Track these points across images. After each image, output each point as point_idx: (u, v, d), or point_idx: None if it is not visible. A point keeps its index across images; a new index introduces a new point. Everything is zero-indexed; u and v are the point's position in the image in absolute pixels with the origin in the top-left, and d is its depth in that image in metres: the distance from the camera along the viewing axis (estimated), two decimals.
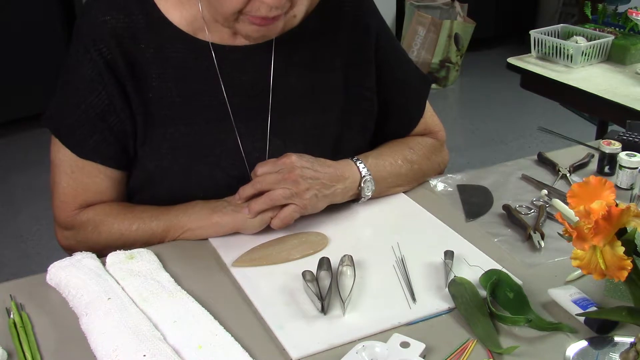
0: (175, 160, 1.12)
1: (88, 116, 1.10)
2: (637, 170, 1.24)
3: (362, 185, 1.15)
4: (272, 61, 1.14)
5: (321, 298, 0.93)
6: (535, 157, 1.40)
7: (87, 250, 1.13)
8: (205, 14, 1.09)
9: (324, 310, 0.92)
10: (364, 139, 1.26)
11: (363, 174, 1.15)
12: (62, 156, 1.14)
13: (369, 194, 1.17)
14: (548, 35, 2.35)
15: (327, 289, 0.95)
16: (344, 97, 1.20)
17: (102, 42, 1.07)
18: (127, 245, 1.09)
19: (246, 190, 1.08)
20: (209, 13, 1.08)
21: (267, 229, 1.11)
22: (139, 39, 1.09)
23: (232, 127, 1.13)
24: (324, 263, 1.01)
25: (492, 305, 0.93)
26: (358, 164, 1.16)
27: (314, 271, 0.99)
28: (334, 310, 0.93)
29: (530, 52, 2.39)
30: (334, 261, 1.01)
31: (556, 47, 2.30)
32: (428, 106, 1.33)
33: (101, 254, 1.05)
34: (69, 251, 1.16)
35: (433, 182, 1.28)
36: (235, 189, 1.12)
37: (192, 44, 1.11)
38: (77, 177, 1.14)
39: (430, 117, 1.34)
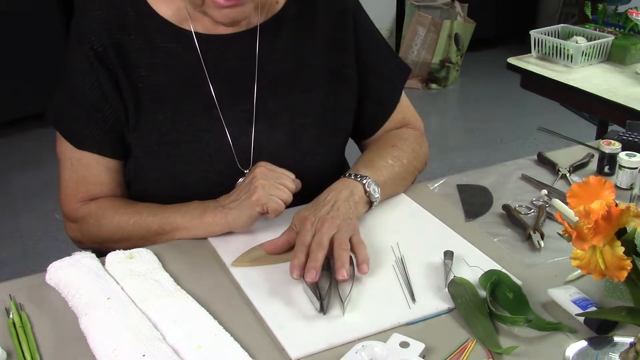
0: (163, 146, 1.15)
1: (83, 108, 1.14)
2: (637, 170, 1.24)
3: (367, 190, 1.14)
4: (257, 48, 1.16)
5: (320, 298, 0.93)
6: (535, 157, 1.40)
7: (90, 242, 1.18)
8: (187, 4, 1.13)
9: (323, 310, 0.92)
10: (348, 120, 1.28)
11: (363, 181, 1.14)
12: (64, 149, 1.18)
13: (378, 196, 1.15)
14: (548, 36, 2.35)
15: (326, 289, 0.95)
16: (327, 78, 1.22)
17: (93, 35, 1.11)
18: (125, 239, 1.12)
19: (300, 259, 1.01)
20: (187, 2, 1.12)
21: (268, 229, 1.11)
22: (128, 31, 1.13)
23: (218, 115, 1.15)
24: (324, 263, 1.01)
25: (491, 305, 0.92)
26: (353, 178, 1.15)
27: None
28: (333, 310, 0.93)
29: (530, 52, 2.39)
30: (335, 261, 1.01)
31: (556, 47, 2.29)
32: (404, 96, 1.33)
33: (102, 252, 1.06)
34: (77, 243, 1.21)
35: (433, 182, 1.28)
36: (224, 175, 1.15)
37: (177, 34, 1.14)
38: (77, 170, 1.17)
39: (407, 107, 1.34)
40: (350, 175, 1.16)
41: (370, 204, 1.15)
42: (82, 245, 1.21)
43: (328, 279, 0.98)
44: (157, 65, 1.13)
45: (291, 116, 1.19)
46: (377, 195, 1.15)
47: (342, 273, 0.96)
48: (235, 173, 1.16)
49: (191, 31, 1.14)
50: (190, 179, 1.16)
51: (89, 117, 1.14)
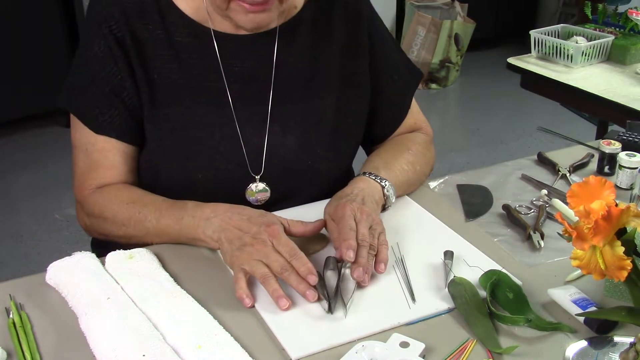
0: (175, 141, 1.14)
1: (102, 92, 1.13)
2: (637, 170, 1.24)
3: (386, 194, 1.15)
4: (275, 50, 1.16)
5: (328, 298, 0.93)
6: (535, 157, 1.40)
7: (97, 234, 1.18)
8: (208, 6, 1.12)
9: (331, 310, 0.92)
10: (359, 126, 1.27)
11: (383, 183, 1.15)
12: (80, 136, 1.17)
13: (393, 201, 1.17)
14: (548, 35, 2.35)
15: (333, 289, 0.95)
16: (341, 84, 1.21)
17: (113, 20, 1.11)
18: (128, 236, 1.11)
19: (354, 243, 1.00)
20: (209, 4, 1.11)
21: None
22: (147, 20, 1.12)
23: (231, 113, 1.15)
24: (330, 262, 1.01)
25: (491, 305, 0.93)
26: (373, 178, 1.16)
27: (321, 271, 0.99)
28: (336, 311, 0.93)
29: (530, 52, 2.39)
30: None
31: (556, 47, 2.30)
32: (414, 102, 1.34)
33: (102, 252, 1.06)
34: (88, 232, 1.21)
35: (433, 182, 1.29)
36: (233, 173, 1.15)
37: (196, 29, 1.14)
38: (91, 154, 1.16)
39: (417, 112, 1.35)
40: (370, 174, 1.17)
41: (383, 207, 1.16)
42: (90, 234, 1.22)
43: (335, 279, 0.98)
44: (173, 59, 1.13)
45: (304, 120, 1.19)
46: (392, 200, 1.17)
47: (365, 279, 0.97)
48: (246, 175, 1.16)
49: (210, 28, 1.14)
50: (201, 177, 1.15)
51: (108, 102, 1.13)
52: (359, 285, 0.98)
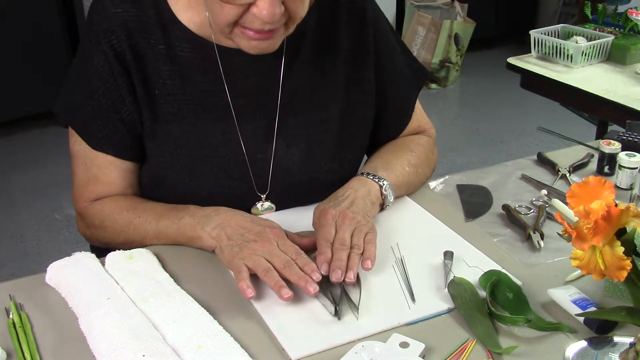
0: (177, 158, 1.13)
1: (100, 107, 1.11)
2: (637, 170, 1.24)
3: (384, 193, 1.14)
4: (282, 64, 1.14)
5: (334, 302, 0.93)
6: (535, 157, 1.40)
7: (97, 242, 1.18)
8: (212, 21, 1.09)
9: (338, 314, 0.92)
10: (365, 134, 1.26)
11: (381, 183, 1.15)
12: (78, 147, 1.16)
13: (392, 200, 1.16)
14: (548, 35, 2.35)
15: (339, 294, 0.94)
16: (346, 93, 1.19)
17: (113, 34, 1.08)
18: (128, 242, 1.11)
19: (327, 255, 1.00)
20: (213, 22, 1.08)
21: None
22: (149, 34, 1.09)
23: (235, 129, 1.13)
24: None
25: (491, 305, 0.93)
26: (371, 178, 1.15)
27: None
28: (342, 315, 0.93)
29: (530, 52, 2.39)
30: None
31: (556, 47, 2.30)
32: (418, 104, 1.32)
33: (102, 252, 1.06)
34: (89, 241, 1.21)
35: (433, 182, 1.29)
36: (237, 189, 1.14)
37: (199, 44, 1.11)
38: (89, 168, 1.15)
39: (421, 114, 1.33)
40: (368, 174, 1.16)
41: (382, 206, 1.15)
42: (91, 242, 1.21)
43: (339, 284, 0.98)
44: (175, 74, 1.10)
45: (309, 133, 1.17)
46: (391, 200, 1.16)
47: (350, 275, 0.96)
48: (251, 191, 1.15)
49: (213, 43, 1.11)
50: (205, 193, 1.13)
51: (106, 119, 1.11)
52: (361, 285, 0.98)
